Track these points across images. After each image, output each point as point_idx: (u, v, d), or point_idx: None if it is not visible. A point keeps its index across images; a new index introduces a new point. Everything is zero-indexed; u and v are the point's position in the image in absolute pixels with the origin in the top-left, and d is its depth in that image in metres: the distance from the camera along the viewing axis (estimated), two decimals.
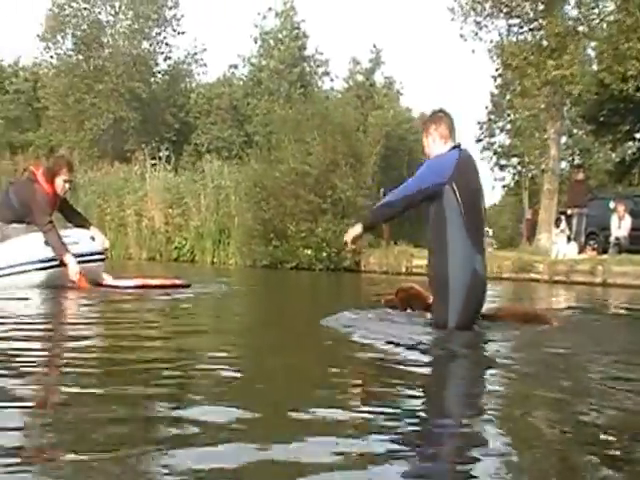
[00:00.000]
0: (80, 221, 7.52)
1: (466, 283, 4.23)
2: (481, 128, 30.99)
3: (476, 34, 19.26)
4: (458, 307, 4.20)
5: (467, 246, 4.24)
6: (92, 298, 6.10)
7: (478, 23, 19.15)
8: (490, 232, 37.96)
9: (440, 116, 4.59)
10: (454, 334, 4.09)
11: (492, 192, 40.89)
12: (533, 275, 14.51)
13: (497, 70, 21.58)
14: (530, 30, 19.03)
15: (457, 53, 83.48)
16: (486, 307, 4.55)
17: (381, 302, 5.17)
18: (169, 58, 30.73)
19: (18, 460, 1.65)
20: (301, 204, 16.32)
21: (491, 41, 19.84)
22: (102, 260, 7.33)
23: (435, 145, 4.51)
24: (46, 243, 6.80)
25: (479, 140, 31.57)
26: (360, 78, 29.64)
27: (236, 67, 31.90)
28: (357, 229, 4.65)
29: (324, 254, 16.70)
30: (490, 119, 30.55)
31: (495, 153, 31.60)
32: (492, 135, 31.38)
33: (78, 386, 2.46)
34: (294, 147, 17.76)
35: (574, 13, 18.67)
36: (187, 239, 19.19)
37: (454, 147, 4.44)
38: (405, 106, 30.52)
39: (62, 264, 6.79)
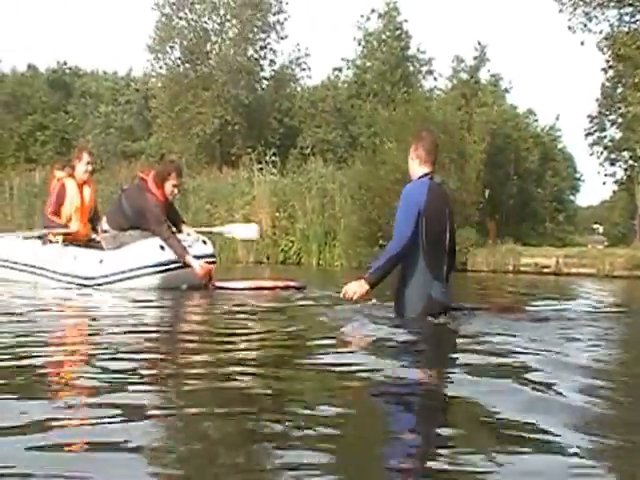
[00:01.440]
0: (181, 227, 7.73)
1: (418, 310, 4.52)
2: (591, 122, 29.87)
3: (585, 25, 18.72)
4: None
5: (425, 275, 4.53)
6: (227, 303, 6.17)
7: (587, 14, 18.60)
8: (600, 229, 36.65)
9: (423, 136, 4.88)
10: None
11: (603, 188, 39.58)
12: None
13: (608, 62, 20.84)
14: None
15: (565, 46, 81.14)
16: None
17: None
18: (274, 63, 31.15)
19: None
20: None
21: (601, 32, 19.21)
22: (213, 263, 7.53)
23: (412, 165, 4.78)
24: (161, 248, 7.12)
25: (589, 134, 30.45)
26: (464, 76, 29.14)
27: (340, 70, 32.11)
28: (363, 288, 4.64)
29: None
30: (601, 112, 29.42)
31: (605, 148, 30.40)
32: (603, 129, 30.22)
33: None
34: (398, 147, 17.70)
35: None
36: (293, 242, 19.40)
37: (426, 174, 4.69)
38: (510, 103, 29.85)
39: (186, 266, 7.08)
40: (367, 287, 4.62)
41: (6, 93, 36.98)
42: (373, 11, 30.94)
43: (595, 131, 30.05)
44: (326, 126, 29.30)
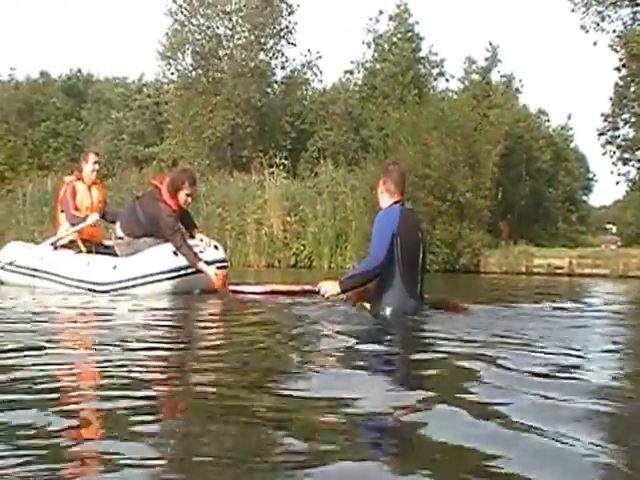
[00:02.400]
0: (194, 232, 7.87)
1: (394, 325, 4.70)
2: (604, 121, 29.71)
3: (598, 24, 18.64)
4: None
5: (402, 293, 4.80)
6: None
7: (600, 13, 18.54)
8: (614, 229, 36.39)
9: (390, 170, 5.15)
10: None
11: (616, 187, 39.39)
12: None
13: (621, 60, 20.73)
14: None
15: (577, 45, 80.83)
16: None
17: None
18: (285, 67, 31.16)
19: None
20: (419, 206, 16.19)
21: (614, 31, 19.12)
22: (224, 267, 7.62)
23: (382, 197, 5.05)
24: (174, 253, 7.25)
25: (602, 134, 30.29)
26: (476, 77, 29.05)
27: (351, 73, 32.05)
28: (335, 289, 4.97)
29: (442, 256, 16.50)
30: (614, 111, 29.26)
31: (619, 147, 30.24)
32: (616, 128, 30.05)
33: None
34: (412, 149, 17.65)
35: None
36: (305, 245, 19.40)
37: (397, 202, 4.96)
38: (522, 103, 29.72)
39: (198, 271, 7.24)
40: (338, 290, 4.95)
41: (20, 100, 37.21)
42: (381, 13, 30.89)
43: (608, 130, 29.91)
44: (337, 129, 29.27)
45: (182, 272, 7.26)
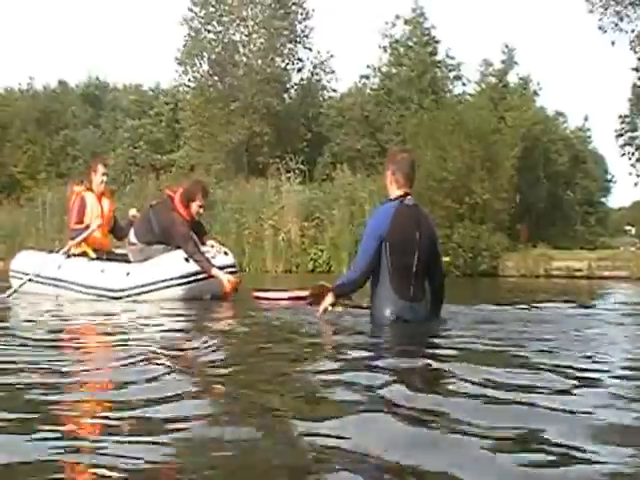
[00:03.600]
0: (205, 239, 8.01)
1: (384, 325, 4.76)
2: (622, 122, 29.52)
3: (616, 25, 18.53)
4: None
5: (391, 295, 4.77)
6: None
7: (618, 13, 18.41)
8: (633, 231, 36.10)
9: (399, 160, 4.98)
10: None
11: (634, 189, 39.05)
12: None
13: None
14: None
15: (595, 46, 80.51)
16: None
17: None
18: (300, 71, 31.18)
19: None
20: (437, 210, 16.16)
21: (633, 31, 18.99)
22: (234, 273, 7.79)
23: (390, 188, 4.98)
24: (186, 260, 7.43)
25: (620, 135, 30.09)
26: (492, 80, 28.95)
27: (367, 78, 32.00)
28: (330, 299, 5.03)
29: (461, 260, 16.45)
30: (632, 112, 29.06)
31: (637, 148, 30.02)
32: (634, 129, 29.85)
33: None
34: (430, 153, 17.63)
35: None
36: (323, 250, 19.39)
37: (400, 196, 4.88)
38: (539, 105, 29.58)
39: (210, 277, 7.39)
40: (332, 299, 5.03)
41: (38, 109, 37.52)
42: (398, 17, 30.84)
43: (626, 132, 29.71)
44: (354, 134, 29.24)
45: (193, 278, 7.43)
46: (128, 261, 7.90)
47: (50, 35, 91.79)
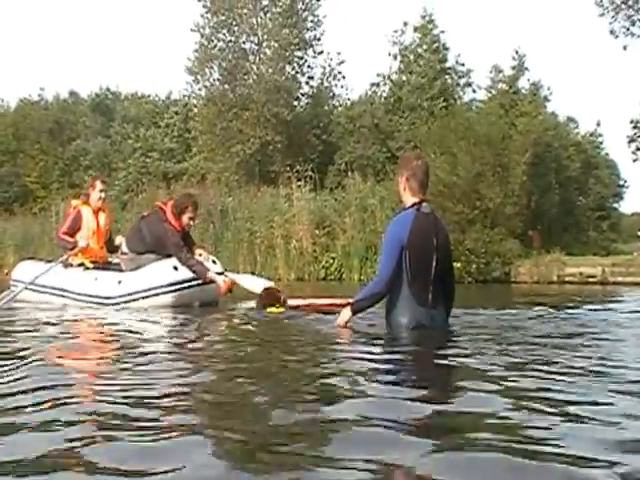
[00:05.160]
0: (194, 249, 8.46)
1: (405, 332, 4.76)
2: (635, 127, 29.36)
3: (628, 29, 18.47)
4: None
5: (410, 302, 4.79)
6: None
7: (630, 17, 18.35)
8: None
9: (414, 167, 4.99)
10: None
11: None
12: None
13: None
14: None
15: (606, 50, 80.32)
16: None
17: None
18: (311, 79, 31.18)
19: None
20: (449, 216, 16.12)
21: None
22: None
23: (405, 194, 5.03)
24: (175, 268, 7.90)
25: (632, 140, 29.93)
26: (503, 86, 28.88)
27: (377, 85, 31.97)
28: (348, 314, 5.06)
29: (473, 266, 16.41)
30: None
31: None
32: None
33: None
34: (440, 159, 17.62)
35: None
36: (334, 258, 19.37)
37: (416, 204, 4.91)
38: (550, 111, 29.49)
39: (204, 283, 7.88)
40: (350, 314, 5.06)
41: (50, 120, 37.74)
42: (406, 24, 30.85)
43: (638, 137, 29.55)
44: (365, 142, 29.22)
45: (182, 286, 7.84)
46: (122, 270, 8.31)
47: (61, 45, 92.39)
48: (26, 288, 8.43)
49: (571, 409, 2.36)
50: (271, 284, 8.60)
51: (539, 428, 2.12)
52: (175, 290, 7.82)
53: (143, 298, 7.82)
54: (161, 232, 7.97)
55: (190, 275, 7.86)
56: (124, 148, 35.63)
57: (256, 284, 8.30)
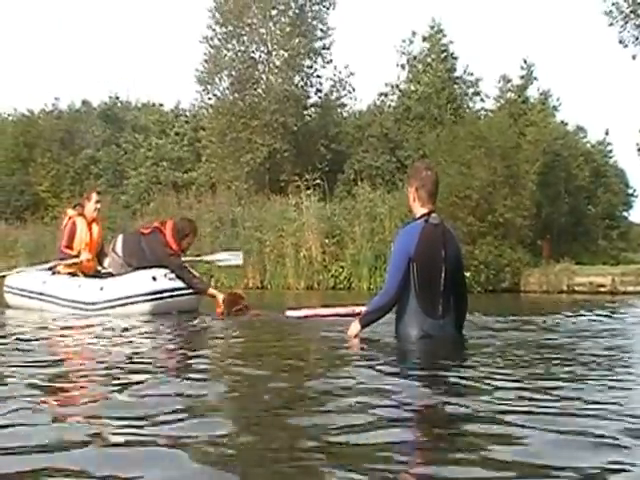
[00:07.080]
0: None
1: (413, 343, 4.79)
2: None
3: (637, 38, 18.47)
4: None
5: (418, 314, 4.80)
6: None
7: (639, 26, 18.33)
8: None
9: (423, 177, 4.99)
10: None
11: None
12: None
13: None
14: None
15: (615, 60, 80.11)
16: None
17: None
18: (320, 91, 31.26)
19: None
20: (460, 226, 16.13)
21: None
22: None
23: (414, 205, 5.01)
24: (153, 279, 8.28)
25: None
26: (511, 96, 28.88)
27: (386, 95, 32.01)
28: (356, 328, 5.06)
29: (483, 276, 16.41)
30: None
31: None
32: None
33: None
34: (450, 169, 17.62)
35: None
36: (344, 267, 19.40)
37: (425, 214, 4.89)
38: (559, 120, 29.47)
39: (193, 294, 8.45)
40: (359, 327, 5.06)
41: (62, 129, 37.90)
42: (414, 34, 30.90)
43: None
44: (374, 151, 29.25)
45: (159, 295, 8.22)
46: (113, 275, 8.72)
47: (74, 55, 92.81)
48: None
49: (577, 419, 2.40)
50: (239, 255, 9.76)
51: (547, 443, 2.15)
52: (154, 299, 8.19)
53: (123, 305, 8.15)
54: (163, 255, 8.39)
55: (169, 286, 8.29)
56: (135, 157, 35.74)
57: (230, 258, 9.55)
